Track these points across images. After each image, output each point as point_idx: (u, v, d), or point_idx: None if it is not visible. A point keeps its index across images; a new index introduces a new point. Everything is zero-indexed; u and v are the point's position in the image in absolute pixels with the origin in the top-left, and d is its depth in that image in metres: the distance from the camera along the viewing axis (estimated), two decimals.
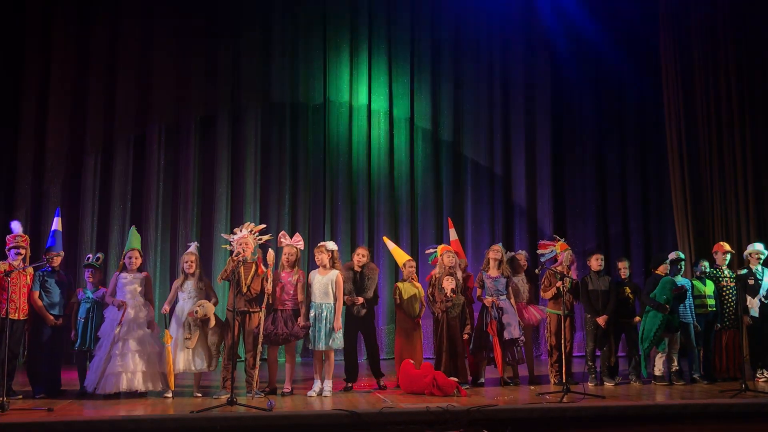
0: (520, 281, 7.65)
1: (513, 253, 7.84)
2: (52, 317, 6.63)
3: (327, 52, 10.81)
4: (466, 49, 11.21)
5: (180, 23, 10.31)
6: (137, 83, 10.14)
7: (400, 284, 7.39)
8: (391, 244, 7.97)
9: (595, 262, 7.50)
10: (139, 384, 6.41)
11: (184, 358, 6.52)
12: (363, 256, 7.22)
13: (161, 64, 10.22)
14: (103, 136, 9.96)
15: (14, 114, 9.73)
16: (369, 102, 10.88)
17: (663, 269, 7.53)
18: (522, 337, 7.29)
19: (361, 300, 7.03)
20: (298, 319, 6.68)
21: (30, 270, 6.59)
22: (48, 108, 9.80)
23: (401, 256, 7.69)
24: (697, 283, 7.70)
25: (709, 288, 7.68)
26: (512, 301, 7.35)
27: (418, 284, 7.40)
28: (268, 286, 6.57)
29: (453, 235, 8.04)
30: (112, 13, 10.13)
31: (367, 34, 10.96)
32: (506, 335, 7.13)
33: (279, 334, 6.60)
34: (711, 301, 7.63)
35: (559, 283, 7.12)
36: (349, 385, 7.08)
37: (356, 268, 7.16)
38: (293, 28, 10.74)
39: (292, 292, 6.74)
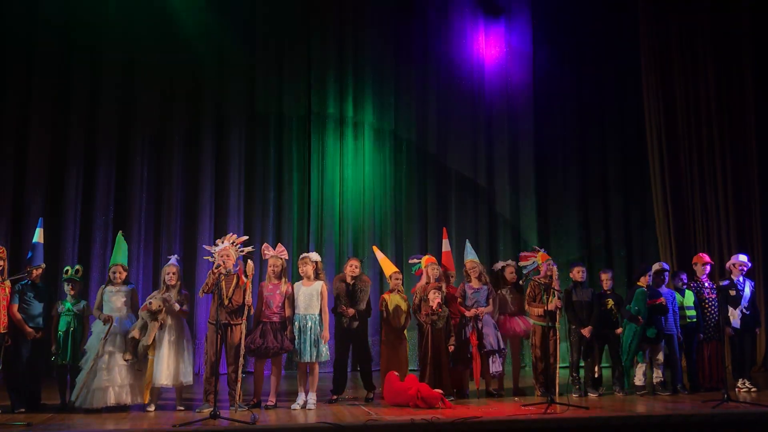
0: (507, 293, 7.67)
1: (504, 264, 7.86)
2: (31, 330, 6.54)
3: (311, 64, 10.83)
4: (451, 63, 11.28)
5: (164, 35, 10.27)
6: (120, 94, 10.06)
7: (386, 296, 7.39)
8: (380, 255, 7.95)
9: (577, 274, 7.55)
10: (127, 398, 6.36)
11: (165, 372, 6.45)
12: (356, 267, 7.21)
13: (145, 76, 10.16)
14: (85, 148, 9.85)
15: None
16: (353, 114, 10.90)
17: (644, 281, 7.60)
18: (504, 349, 7.32)
19: (352, 312, 7.01)
20: (286, 333, 6.65)
21: (8, 283, 6.51)
22: (29, 118, 9.69)
23: (388, 267, 7.68)
24: (677, 294, 7.76)
25: (688, 299, 7.75)
26: (492, 311, 7.37)
27: (404, 296, 7.40)
28: (248, 298, 6.53)
29: (446, 246, 8.03)
30: (96, 25, 10.07)
31: (352, 45, 11.01)
32: (486, 346, 7.17)
33: (269, 347, 6.55)
34: (691, 312, 7.70)
35: (551, 305, 7.14)
36: (335, 397, 7.04)
37: (348, 280, 7.15)
38: (277, 40, 10.74)
39: (279, 304, 6.70)
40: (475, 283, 7.44)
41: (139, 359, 6.46)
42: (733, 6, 10.54)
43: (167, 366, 6.46)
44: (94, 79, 10.00)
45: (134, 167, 10.00)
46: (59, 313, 6.69)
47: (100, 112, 9.97)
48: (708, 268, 7.95)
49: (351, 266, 7.22)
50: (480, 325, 7.25)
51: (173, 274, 6.71)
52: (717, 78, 10.49)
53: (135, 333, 6.41)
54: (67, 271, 6.85)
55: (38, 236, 6.99)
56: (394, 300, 7.31)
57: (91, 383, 6.31)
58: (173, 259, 6.91)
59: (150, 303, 6.49)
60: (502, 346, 7.30)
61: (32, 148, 9.66)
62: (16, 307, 6.53)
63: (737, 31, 10.51)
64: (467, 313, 7.25)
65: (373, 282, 10.14)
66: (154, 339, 6.44)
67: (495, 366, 7.24)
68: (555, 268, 7.39)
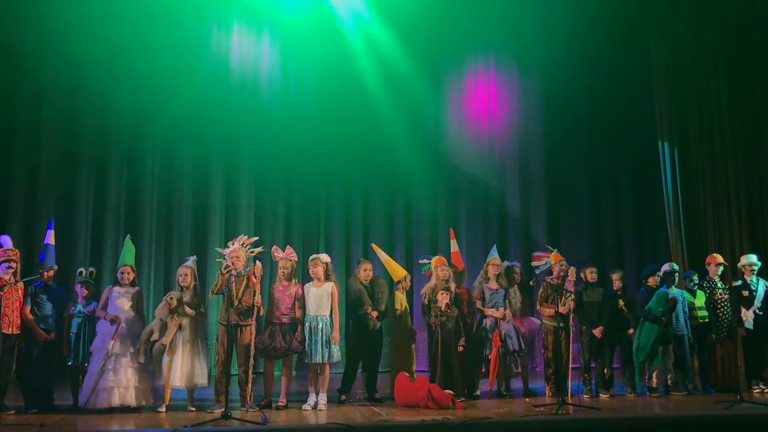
0: (514, 293, 7.65)
1: (509, 264, 7.85)
2: (43, 332, 6.59)
3: (321, 64, 10.85)
4: (462, 63, 11.26)
5: (174, 37, 10.30)
6: (131, 96, 10.12)
7: (398, 294, 7.38)
8: (383, 255, 7.85)
9: (590, 275, 7.52)
10: (131, 399, 6.37)
11: (179, 374, 6.47)
12: (369, 270, 7.25)
13: (156, 76, 10.21)
14: (97, 150, 9.93)
15: (8, 126, 9.69)
16: (364, 113, 10.91)
17: (653, 281, 7.56)
18: (524, 349, 7.35)
19: (375, 313, 7.05)
20: (296, 334, 6.66)
21: (20, 285, 6.55)
22: (42, 121, 9.76)
23: (398, 271, 7.62)
24: (687, 294, 7.71)
25: (699, 299, 7.70)
26: (508, 312, 7.37)
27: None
28: (257, 299, 6.55)
29: (454, 246, 8.03)
30: (107, 25, 10.10)
31: (362, 44, 11.01)
32: (510, 347, 7.19)
33: (277, 348, 6.57)
34: (702, 312, 7.66)
35: (563, 309, 7.11)
36: (343, 397, 7.05)
37: (364, 282, 7.18)
38: (286, 39, 10.76)
39: (289, 305, 6.71)
40: (493, 284, 7.44)
41: (153, 360, 6.49)
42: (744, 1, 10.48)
43: (181, 367, 6.48)
44: (104, 80, 10.05)
45: (145, 169, 10.06)
46: (71, 315, 6.73)
47: (111, 114, 10.03)
48: (721, 268, 7.89)
49: (365, 270, 7.24)
50: (503, 327, 7.25)
51: (186, 275, 6.74)
52: (729, 77, 10.43)
53: (155, 335, 6.43)
54: (81, 272, 6.89)
55: (49, 238, 7.04)
56: (404, 300, 7.32)
57: (98, 384, 6.35)
58: (190, 260, 6.94)
59: (171, 298, 6.51)
60: (522, 346, 7.31)
61: (44, 150, 9.73)
62: (28, 308, 6.58)
63: (748, 26, 10.42)
64: (496, 314, 7.25)
65: None
66: (172, 339, 6.47)
67: (516, 367, 7.26)
68: (573, 269, 7.32)
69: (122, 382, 6.36)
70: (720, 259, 7.98)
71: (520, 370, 7.31)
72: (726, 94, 10.41)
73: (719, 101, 10.45)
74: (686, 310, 7.57)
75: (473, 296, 7.52)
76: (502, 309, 7.31)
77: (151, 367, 6.50)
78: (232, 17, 10.66)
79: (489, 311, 7.31)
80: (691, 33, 10.55)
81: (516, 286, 7.69)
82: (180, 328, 6.52)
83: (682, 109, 10.52)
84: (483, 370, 7.30)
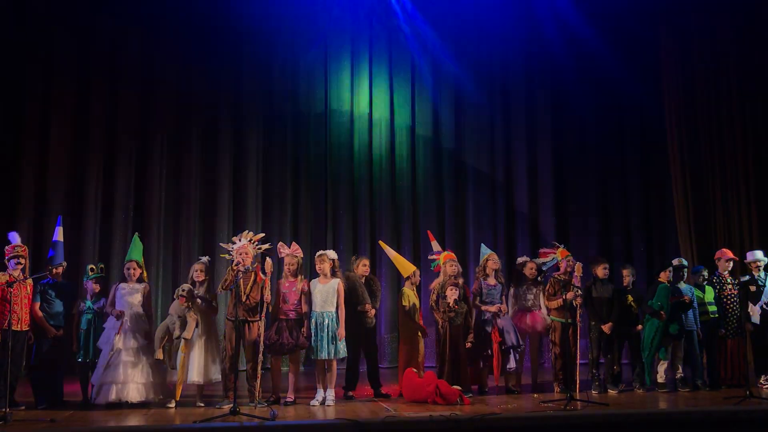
0: (527, 289, 7.64)
1: (525, 259, 7.83)
2: (52, 329, 6.62)
3: (328, 61, 10.84)
4: (467, 57, 11.22)
5: (182, 33, 10.32)
6: (139, 92, 10.15)
7: (406, 290, 7.38)
8: (391, 252, 7.86)
9: (602, 270, 7.50)
10: (130, 395, 6.39)
11: (194, 369, 6.50)
12: (368, 266, 7.29)
13: (163, 73, 10.23)
14: (105, 146, 9.95)
15: (17, 122, 9.71)
16: (370, 110, 10.90)
17: (665, 276, 7.53)
18: (522, 345, 7.32)
19: (374, 311, 7.08)
20: (302, 329, 6.68)
21: (29, 281, 6.59)
22: (50, 116, 9.79)
23: (407, 266, 7.63)
24: (696, 290, 7.68)
25: (708, 295, 7.68)
26: (504, 307, 7.37)
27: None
28: (267, 295, 6.56)
29: (436, 246, 7.95)
30: (115, 23, 10.14)
31: (368, 43, 11.00)
32: (508, 342, 7.19)
33: (284, 344, 6.60)
34: (712, 308, 7.63)
35: (570, 294, 7.09)
36: (350, 393, 7.07)
37: (361, 278, 7.20)
38: (295, 37, 10.76)
39: (295, 301, 6.73)
40: (491, 280, 7.43)
41: (172, 357, 6.51)
42: None
43: (197, 363, 6.51)
44: (112, 78, 10.08)
45: (153, 166, 10.08)
46: (81, 311, 6.76)
47: (119, 111, 10.05)
48: (731, 264, 7.86)
49: (364, 266, 7.26)
50: (500, 323, 7.25)
51: (201, 271, 6.77)
52: (738, 70, 10.36)
53: (177, 331, 6.43)
54: (93, 269, 6.92)
55: (58, 235, 7.06)
56: (412, 296, 7.32)
57: (102, 378, 6.40)
58: (204, 259, 6.98)
59: (183, 290, 6.53)
60: (520, 342, 7.31)
61: (52, 148, 9.76)
62: (37, 305, 6.62)
63: (760, 8, 10.35)
64: (491, 309, 7.24)
65: (383, 276, 10.19)
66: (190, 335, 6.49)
67: (511, 362, 7.24)
68: (580, 265, 7.28)
69: (119, 378, 6.38)
70: (730, 254, 7.94)
71: (514, 366, 7.26)
72: (736, 86, 10.34)
73: (729, 95, 10.38)
74: (695, 305, 7.54)
75: (468, 292, 7.47)
76: (498, 304, 7.30)
77: (171, 365, 6.52)
78: None
79: (485, 307, 7.29)
80: (699, 21, 10.50)
81: (530, 282, 7.68)
82: (197, 323, 6.54)
83: (692, 103, 10.47)
84: (487, 364, 7.29)
